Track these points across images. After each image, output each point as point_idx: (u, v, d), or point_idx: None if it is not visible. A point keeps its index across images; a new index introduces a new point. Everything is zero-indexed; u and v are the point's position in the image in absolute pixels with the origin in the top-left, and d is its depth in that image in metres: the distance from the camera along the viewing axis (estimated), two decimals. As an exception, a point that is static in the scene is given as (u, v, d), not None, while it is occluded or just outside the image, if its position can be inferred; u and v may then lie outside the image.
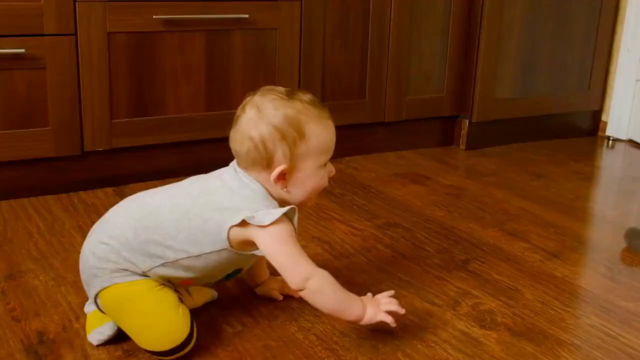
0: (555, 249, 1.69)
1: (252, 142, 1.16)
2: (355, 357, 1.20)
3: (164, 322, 1.14)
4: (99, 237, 1.19)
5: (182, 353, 1.15)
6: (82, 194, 1.93)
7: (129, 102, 1.97)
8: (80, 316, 1.28)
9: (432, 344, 1.24)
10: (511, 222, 1.85)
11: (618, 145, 2.76)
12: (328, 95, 2.28)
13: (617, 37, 2.79)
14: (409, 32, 2.37)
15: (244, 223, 1.13)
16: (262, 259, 1.24)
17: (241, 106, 1.20)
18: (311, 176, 1.20)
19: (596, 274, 1.58)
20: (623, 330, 1.33)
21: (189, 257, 1.16)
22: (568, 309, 1.40)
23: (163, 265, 1.16)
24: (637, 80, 2.73)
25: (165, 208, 1.17)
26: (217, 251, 1.16)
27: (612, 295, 1.47)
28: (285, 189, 1.19)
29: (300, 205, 1.21)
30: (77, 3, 1.83)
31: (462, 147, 2.57)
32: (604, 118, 2.87)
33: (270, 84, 2.17)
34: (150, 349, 1.14)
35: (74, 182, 1.96)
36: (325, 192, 2.03)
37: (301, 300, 1.24)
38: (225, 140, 2.13)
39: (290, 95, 1.19)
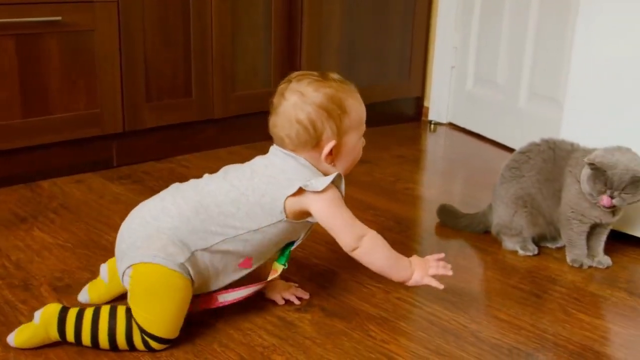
0: (373, 230, 1.78)
1: (301, 125, 1.25)
2: (172, 353, 1.21)
3: (179, 318, 1.21)
4: (153, 212, 1.24)
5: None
6: None
7: None
8: None
9: (248, 332, 1.28)
10: (334, 208, 1.93)
11: (440, 129, 2.93)
12: (153, 95, 2.27)
13: (432, 27, 2.96)
14: (231, 28, 2.40)
15: (299, 191, 1.23)
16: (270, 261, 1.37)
17: (278, 94, 1.28)
18: (354, 148, 1.31)
19: (409, 249, 1.69)
20: (427, 299, 1.43)
21: (248, 231, 1.24)
22: (379, 286, 1.48)
23: (224, 241, 1.23)
24: (452, 67, 2.91)
25: (223, 189, 1.25)
26: (274, 223, 1.25)
27: (420, 269, 1.58)
28: (332, 164, 1.29)
29: None
30: None
31: (293, 139, 2.64)
32: (425, 104, 3.04)
33: (91, 87, 2.14)
34: (160, 335, 1.19)
35: None
36: (153, 192, 2.00)
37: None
38: (45, 147, 2.09)
39: (323, 76, 1.29)
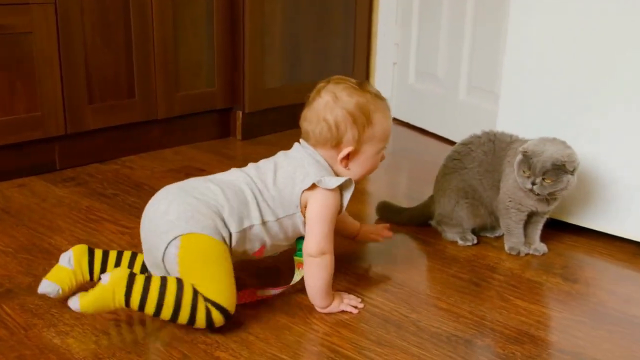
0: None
1: (327, 124, 1.33)
2: (114, 353, 1.21)
3: (233, 285, 1.26)
4: (201, 190, 1.30)
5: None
6: None
7: None
8: None
9: (192, 329, 1.28)
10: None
11: (384, 124, 2.97)
12: (95, 96, 2.25)
13: (373, 23, 3.00)
14: (173, 29, 2.40)
15: (312, 187, 1.30)
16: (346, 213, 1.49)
17: (315, 90, 1.37)
18: (369, 159, 1.38)
19: (349, 243, 1.70)
20: (369, 291, 1.46)
21: (269, 221, 1.33)
22: (323, 280, 1.51)
23: (251, 227, 1.31)
24: (394, 64, 2.95)
25: (252, 180, 1.34)
26: (289, 215, 1.34)
27: (362, 262, 1.61)
28: (346, 167, 1.36)
29: None
30: None
31: (239, 137, 2.65)
32: (370, 99, 3.08)
33: (31, 89, 2.11)
34: (223, 303, 1.23)
35: None
36: (96, 194, 2.02)
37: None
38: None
39: (360, 86, 1.36)
